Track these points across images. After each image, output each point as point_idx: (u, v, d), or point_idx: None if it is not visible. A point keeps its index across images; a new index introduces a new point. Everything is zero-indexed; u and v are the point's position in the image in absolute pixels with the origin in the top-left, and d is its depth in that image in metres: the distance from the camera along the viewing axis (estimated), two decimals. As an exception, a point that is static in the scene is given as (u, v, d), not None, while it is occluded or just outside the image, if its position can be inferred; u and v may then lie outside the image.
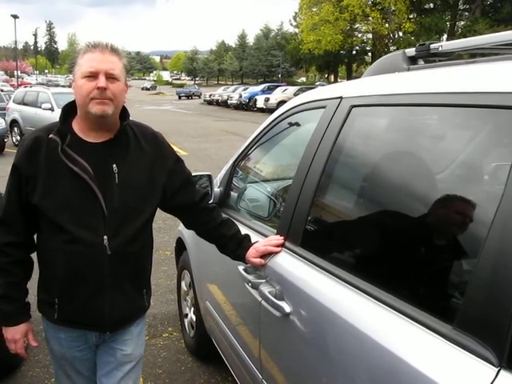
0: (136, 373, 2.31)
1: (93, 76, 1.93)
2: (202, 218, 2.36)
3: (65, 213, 1.98)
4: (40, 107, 16.03)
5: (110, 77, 1.95)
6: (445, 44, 2.03)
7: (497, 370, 1.19)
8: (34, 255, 2.18)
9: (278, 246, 2.29)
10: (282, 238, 2.29)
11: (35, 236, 2.17)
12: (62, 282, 2.06)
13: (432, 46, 2.06)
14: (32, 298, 2.19)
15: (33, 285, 2.16)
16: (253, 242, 2.38)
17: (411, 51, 2.20)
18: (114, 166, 2.02)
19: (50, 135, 1.99)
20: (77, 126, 2.06)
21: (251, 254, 2.33)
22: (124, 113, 2.10)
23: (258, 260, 2.31)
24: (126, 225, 2.05)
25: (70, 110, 2.08)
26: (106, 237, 2.00)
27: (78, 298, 2.05)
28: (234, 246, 2.37)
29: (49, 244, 2.07)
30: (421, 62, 2.18)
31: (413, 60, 2.19)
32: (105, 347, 2.22)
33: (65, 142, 1.99)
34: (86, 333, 2.15)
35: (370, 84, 2.23)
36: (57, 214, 1.98)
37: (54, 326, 2.16)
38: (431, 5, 43.85)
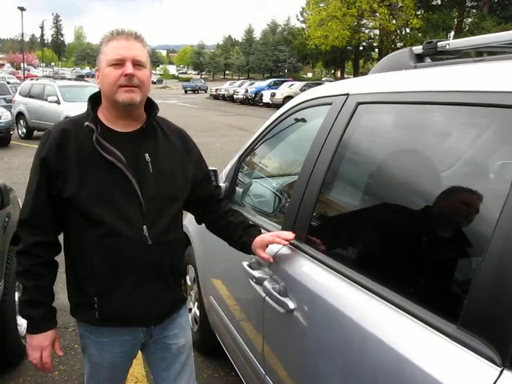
0: (191, 359, 2.32)
1: (119, 64, 1.90)
2: (213, 208, 2.35)
3: (101, 204, 1.93)
4: (46, 100, 16.08)
5: (137, 64, 1.92)
6: (452, 42, 2.03)
7: (500, 369, 1.19)
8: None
9: (286, 240, 2.21)
10: (293, 234, 2.22)
11: (61, 236, 2.09)
12: (100, 279, 1.98)
13: (439, 43, 2.06)
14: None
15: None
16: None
17: (418, 49, 2.19)
18: (147, 155, 2.00)
19: (86, 123, 1.95)
20: (103, 116, 2.03)
21: (257, 243, 2.24)
22: (150, 103, 2.09)
23: (265, 254, 2.22)
24: (162, 214, 2.02)
25: (95, 101, 2.06)
26: (145, 227, 1.96)
27: (119, 293, 1.99)
28: (241, 232, 2.30)
29: (83, 240, 1.98)
30: (428, 59, 2.18)
31: (420, 58, 2.19)
32: (157, 345, 2.19)
33: (97, 131, 1.95)
34: (134, 331, 2.10)
35: (376, 81, 2.23)
36: (93, 206, 1.92)
37: (96, 332, 2.08)
38: (439, 1, 43.73)
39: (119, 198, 1.94)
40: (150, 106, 2.09)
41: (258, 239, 2.25)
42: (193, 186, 2.19)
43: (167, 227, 2.03)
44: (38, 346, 2.04)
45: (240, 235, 2.30)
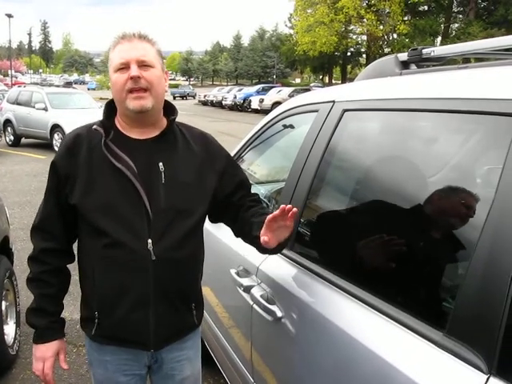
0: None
1: (124, 68, 1.79)
2: (241, 215, 2.03)
3: (105, 214, 1.82)
4: (34, 107, 15.96)
5: (143, 64, 1.80)
6: (437, 49, 2.04)
7: (486, 377, 1.19)
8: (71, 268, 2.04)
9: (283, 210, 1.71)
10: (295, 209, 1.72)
11: (75, 245, 2.01)
12: (101, 293, 1.88)
13: (424, 50, 2.07)
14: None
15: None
16: None
17: (403, 56, 2.20)
18: (161, 164, 1.86)
19: (94, 126, 1.86)
20: (118, 123, 1.93)
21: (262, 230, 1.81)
22: (170, 108, 1.97)
23: (264, 237, 1.75)
24: (172, 228, 1.87)
25: (113, 106, 1.94)
26: (150, 241, 1.82)
27: (119, 309, 1.86)
28: (255, 228, 1.88)
29: (88, 250, 1.90)
30: (413, 66, 2.19)
31: (405, 64, 2.20)
32: (161, 373, 2.06)
33: (108, 136, 1.85)
34: (138, 353, 1.96)
35: (362, 88, 2.23)
36: (97, 215, 1.82)
37: (99, 350, 1.99)
38: (425, 7, 44.10)
39: (126, 207, 1.83)
40: (169, 110, 1.98)
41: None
42: (220, 198, 2.01)
43: (178, 243, 1.88)
44: (41, 356, 1.98)
45: (254, 231, 1.90)
